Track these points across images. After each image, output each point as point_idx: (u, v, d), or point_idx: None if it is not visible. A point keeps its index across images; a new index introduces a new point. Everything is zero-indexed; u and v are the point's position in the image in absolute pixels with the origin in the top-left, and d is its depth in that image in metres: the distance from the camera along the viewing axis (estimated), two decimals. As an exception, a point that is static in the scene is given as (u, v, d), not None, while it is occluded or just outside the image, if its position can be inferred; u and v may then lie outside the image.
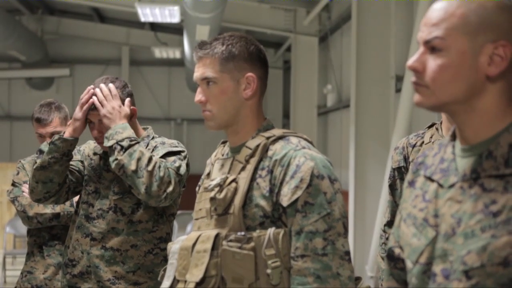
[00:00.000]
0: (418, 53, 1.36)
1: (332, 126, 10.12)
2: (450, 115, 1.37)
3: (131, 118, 2.69)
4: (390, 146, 6.00)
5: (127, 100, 2.69)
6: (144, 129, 2.83)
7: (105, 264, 2.65)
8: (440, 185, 1.36)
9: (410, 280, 1.38)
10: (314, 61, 10.21)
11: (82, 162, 2.82)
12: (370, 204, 6.74)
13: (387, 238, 2.84)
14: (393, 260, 1.51)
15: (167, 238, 2.74)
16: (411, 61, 1.35)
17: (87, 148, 2.86)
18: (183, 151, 2.68)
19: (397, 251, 1.50)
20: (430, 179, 1.40)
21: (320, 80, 10.15)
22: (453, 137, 1.41)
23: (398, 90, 6.27)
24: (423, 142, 2.73)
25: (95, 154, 2.80)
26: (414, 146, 2.75)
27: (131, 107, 2.69)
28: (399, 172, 2.81)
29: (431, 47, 1.33)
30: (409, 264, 1.39)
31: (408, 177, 1.49)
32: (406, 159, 2.77)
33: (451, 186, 1.33)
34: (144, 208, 2.67)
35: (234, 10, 9.80)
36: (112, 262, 2.65)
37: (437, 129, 2.72)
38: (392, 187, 2.85)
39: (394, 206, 2.85)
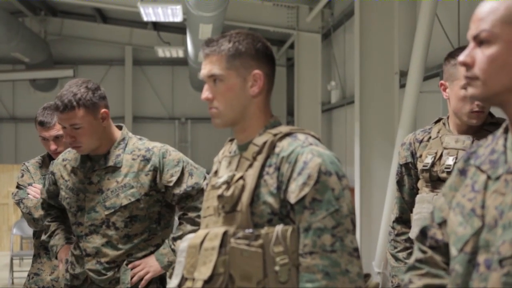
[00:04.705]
0: (468, 48, 1.39)
1: (337, 122, 10.10)
2: (502, 107, 1.39)
3: (103, 121, 2.64)
4: (395, 141, 5.97)
5: (102, 104, 2.63)
6: (118, 127, 2.74)
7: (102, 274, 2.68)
8: (489, 177, 1.38)
9: (454, 267, 1.42)
10: (317, 58, 10.19)
11: (55, 184, 2.80)
12: (376, 200, 6.72)
13: (396, 235, 2.83)
14: (426, 238, 1.56)
15: None
16: (461, 56, 1.39)
17: (57, 171, 2.78)
18: (182, 164, 2.66)
19: (432, 231, 1.54)
20: (479, 169, 1.42)
21: (324, 77, 10.12)
22: (506, 130, 1.43)
23: (402, 86, 6.24)
24: (430, 137, 2.71)
25: (72, 171, 2.72)
26: (421, 141, 2.74)
27: (103, 110, 2.63)
28: (407, 168, 2.80)
29: (480, 41, 1.36)
30: (453, 251, 1.42)
31: (459, 165, 1.51)
32: (413, 154, 2.76)
33: (498, 178, 1.35)
34: (139, 221, 2.65)
35: (236, 8, 9.77)
36: (108, 269, 2.66)
37: (444, 124, 2.70)
38: (400, 183, 2.84)
39: (402, 202, 2.84)
